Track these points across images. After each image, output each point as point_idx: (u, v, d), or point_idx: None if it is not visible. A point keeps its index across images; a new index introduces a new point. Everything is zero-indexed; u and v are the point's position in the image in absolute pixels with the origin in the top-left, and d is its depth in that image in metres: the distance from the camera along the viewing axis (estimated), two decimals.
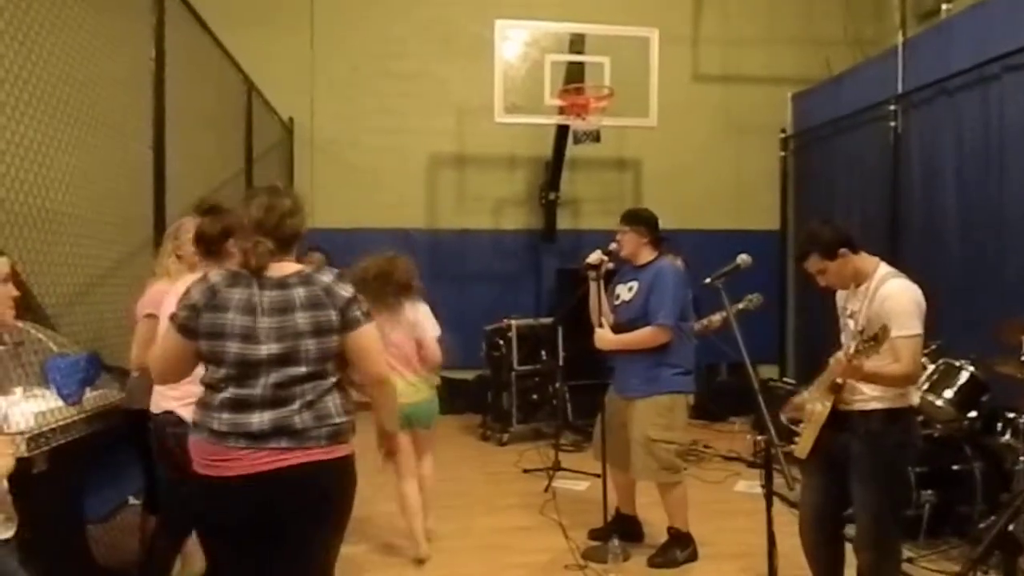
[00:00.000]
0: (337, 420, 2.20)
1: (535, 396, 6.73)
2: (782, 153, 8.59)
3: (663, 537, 4.05)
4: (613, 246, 4.06)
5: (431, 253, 8.23)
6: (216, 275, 2.21)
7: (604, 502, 4.03)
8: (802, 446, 2.98)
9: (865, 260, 2.97)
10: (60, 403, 2.93)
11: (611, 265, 4.13)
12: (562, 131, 7.30)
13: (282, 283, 2.17)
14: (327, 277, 2.22)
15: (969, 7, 6.24)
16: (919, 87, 6.37)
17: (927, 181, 6.35)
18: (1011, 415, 4.08)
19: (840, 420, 2.91)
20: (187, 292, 2.22)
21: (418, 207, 8.26)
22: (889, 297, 2.80)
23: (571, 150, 7.56)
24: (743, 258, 2.92)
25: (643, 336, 3.85)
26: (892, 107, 6.65)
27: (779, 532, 2.67)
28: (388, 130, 8.05)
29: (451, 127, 8.19)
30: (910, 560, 3.85)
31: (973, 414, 4.26)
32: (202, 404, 2.20)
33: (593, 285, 4.08)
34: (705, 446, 6.31)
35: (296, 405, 2.14)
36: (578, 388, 6.68)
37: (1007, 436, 4.08)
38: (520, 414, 6.68)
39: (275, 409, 2.12)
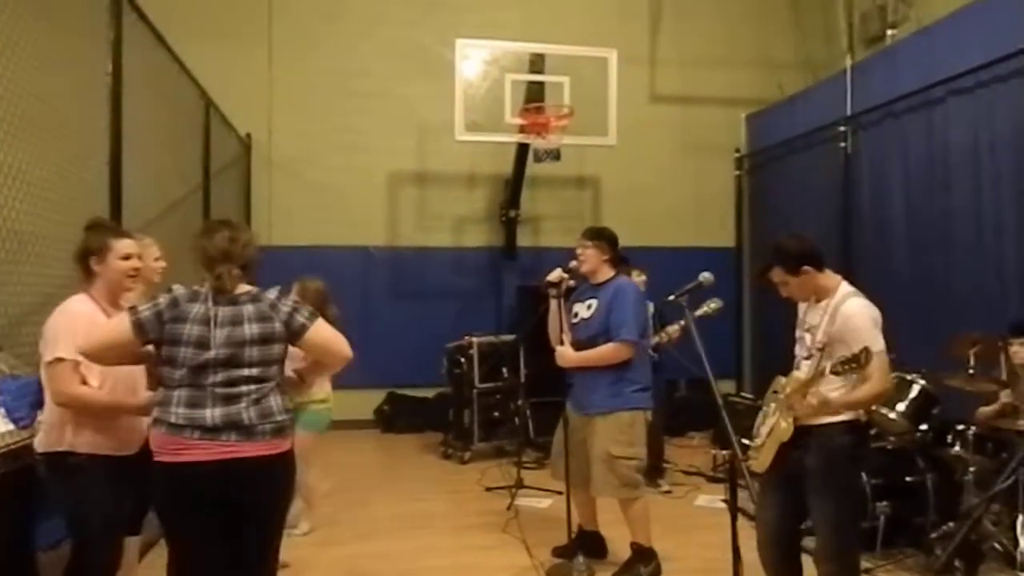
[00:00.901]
0: (279, 418, 2.52)
1: (497, 413, 6.72)
2: (737, 172, 8.78)
3: (626, 553, 4.06)
4: (573, 264, 4.09)
5: (391, 271, 8.23)
6: (180, 290, 2.52)
7: (568, 519, 4.03)
8: (762, 460, 3.02)
9: (829, 278, 3.01)
10: (11, 426, 2.84)
11: (571, 283, 4.16)
12: (522, 149, 7.36)
13: (234, 300, 2.52)
14: (271, 294, 2.58)
15: (913, 33, 6.50)
16: (868, 109, 6.58)
17: (876, 200, 6.55)
18: (960, 427, 4.20)
19: (794, 436, 2.95)
20: (155, 298, 2.52)
21: (378, 225, 8.23)
22: (851, 316, 2.85)
23: (531, 168, 7.62)
24: (705, 276, 2.97)
25: (605, 352, 3.88)
26: (842, 128, 6.86)
27: (742, 546, 2.70)
28: (348, 148, 8.03)
29: (412, 145, 8.19)
30: (867, 571, 3.92)
31: (924, 427, 4.38)
32: (160, 403, 2.46)
33: (553, 303, 4.10)
34: (665, 461, 6.35)
35: (243, 403, 2.45)
36: (540, 405, 6.67)
37: (957, 447, 4.20)
38: (482, 432, 6.66)
39: (225, 406, 2.43)
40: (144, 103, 4.39)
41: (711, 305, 5.25)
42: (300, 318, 2.55)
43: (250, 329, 2.47)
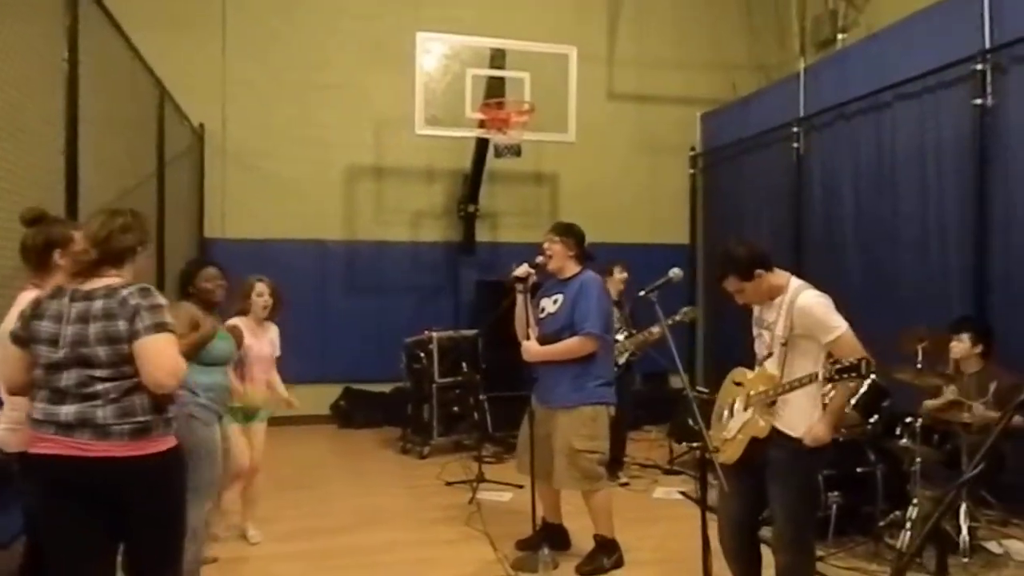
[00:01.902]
0: (142, 418, 2.37)
1: (456, 408, 6.72)
2: (691, 171, 8.93)
3: (589, 545, 4.12)
4: (540, 259, 4.12)
5: (348, 265, 8.15)
6: (46, 290, 2.48)
7: (533, 512, 4.07)
8: (730, 453, 3.09)
9: (779, 276, 3.11)
10: None
11: (535, 278, 4.19)
12: (482, 144, 7.36)
13: (88, 295, 2.41)
14: (129, 289, 2.41)
15: (863, 39, 6.70)
16: (819, 111, 6.77)
17: (827, 199, 6.74)
18: (908, 419, 4.36)
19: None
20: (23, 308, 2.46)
21: (335, 218, 8.14)
22: (809, 307, 2.94)
23: (490, 163, 7.63)
24: (675, 272, 3.03)
25: (570, 346, 3.93)
26: (795, 129, 7.05)
27: (698, 537, 2.76)
28: (304, 140, 7.93)
29: (369, 138, 8.12)
30: (820, 559, 4.04)
31: (875, 419, 4.53)
32: (31, 399, 2.44)
33: (520, 297, 4.12)
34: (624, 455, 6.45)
35: (99, 401, 2.34)
36: (499, 400, 6.71)
37: (905, 439, 4.36)
38: (441, 426, 6.66)
39: (80, 403, 2.34)
40: (98, 91, 4.27)
41: (686, 313, 5.35)
42: (140, 323, 2.36)
43: (94, 327, 2.35)
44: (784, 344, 2.95)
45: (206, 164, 7.76)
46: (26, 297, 2.65)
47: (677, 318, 5.21)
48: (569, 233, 4.13)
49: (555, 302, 4.08)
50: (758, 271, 3.03)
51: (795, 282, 3.08)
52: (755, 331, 3.22)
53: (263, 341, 4.42)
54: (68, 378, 2.35)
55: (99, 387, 2.35)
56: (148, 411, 2.39)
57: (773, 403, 3.00)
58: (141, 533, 2.43)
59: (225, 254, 7.44)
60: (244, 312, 4.36)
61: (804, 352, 2.96)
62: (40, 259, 2.79)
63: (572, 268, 4.11)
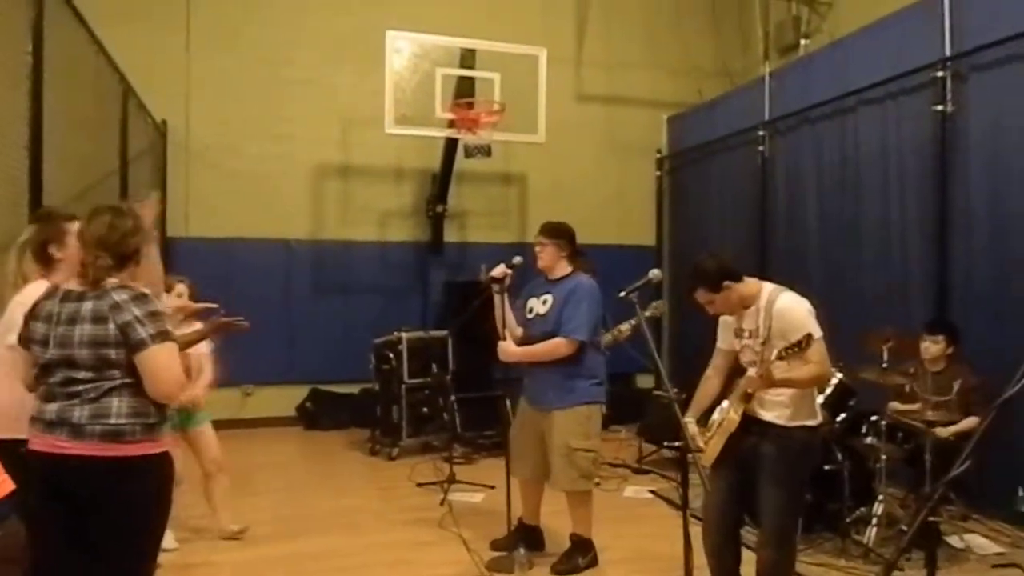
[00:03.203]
0: (114, 421, 2.33)
1: (425, 409, 6.69)
2: (658, 173, 9.02)
3: (563, 545, 4.14)
4: (517, 259, 4.12)
5: (315, 265, 8.07)
6: (44, 290, 2.49)
7: (508, 512, 4.07)
8: (709, 453, 3.14)
9: (748, 285, 3.17)
10: None
11: (510, 279, 4.17)
12: (451, 144, 7.34)
13: (80, 296, 2.39)
14: (123, 295, 2.37)
15: (827, 45, 6.83)
16: (784, 115, 6.89)
17: (791, 203, 6.87)
18: (874, 418, 4.47)
19: (751, 425, 3.10)
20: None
21: (301, 217, 8.04)
22: (787, 309, 3.01)
23: (458, 163, 7.61)
24: (655, 273, 3.06)
25: (549, 348, 3.93)
26: (760, 133, 7.16)
27: (670, 535, 2.78)
28: (270, 137, 7.81)
29: (337, 136, 8.04)
30: None
31: (842, 417, 4.63)
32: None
33: (497, 298, 4.11)
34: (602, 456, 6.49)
35: (77, 401, 2.34)
36: (468, 400, 6.70)
37: (870, 437, 4.46)
38: (410, 428, 6.62)
39: (62, 402, 2.36)
40: (62, 86, 4.17)
41: (656, 307, 5.39)
42: (143, 332, 2.33)
43: (81, 330, 2.34)
44: (764, 343, 3.02)
45: (169, 161, 7.60)
46: (32, 289, 2.66)
47: (647, 313, 5.25)
48: (559, 234, 4.12)
49: (544, 302, 4.07)
50: (726, 283, 3.11)
51: (769, 286, 3.16)
52: (738, 344, 3.25)
53: None
54: (57, 377, 2.37)
55: (79, 387, 2.35)
56: (124, 415, 2.36)
57: (749, 396, 3.06)
58: (108, 539, 2.36)
59: (189, 253, 7.34)
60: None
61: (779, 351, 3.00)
62: (41, 256, 2.82)
63: (563, 268, 4.11)
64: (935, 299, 5.27)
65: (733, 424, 3.06)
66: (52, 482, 2.34)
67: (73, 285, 2.44)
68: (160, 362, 2.36)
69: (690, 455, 2.74)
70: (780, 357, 2.91)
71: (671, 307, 8.70)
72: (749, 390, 3.04)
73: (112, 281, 2.41)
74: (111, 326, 2.33)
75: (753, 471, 3.08)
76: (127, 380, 2.37)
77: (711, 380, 3.38)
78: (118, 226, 2.44)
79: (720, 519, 3.22)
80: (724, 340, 3.36)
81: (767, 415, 3.07)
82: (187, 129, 7.67)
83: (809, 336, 2.84)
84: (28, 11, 3.59)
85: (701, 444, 3.07)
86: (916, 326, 4.86)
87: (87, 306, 2.36)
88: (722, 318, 3.35)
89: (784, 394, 3.05)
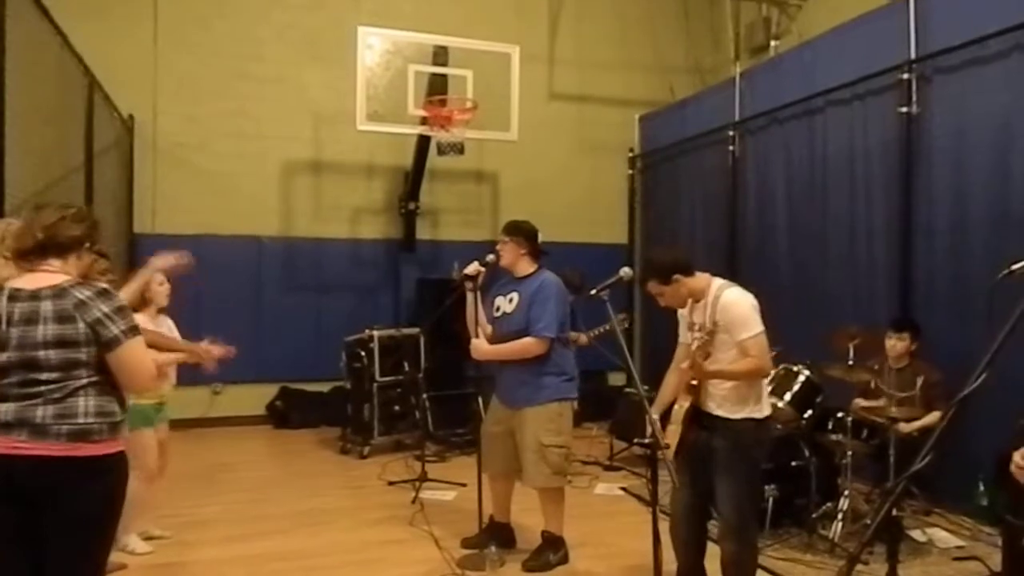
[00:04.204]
0: (82, 420, 2.29)
1: (397, 407, 6.66)
2: (630, 171, 9.07)
3: (534, 542, 4.15)
4: (490, 257, 4.13)
5: (285, 262, 8.00)
6: None
7: (480, 510, 4.08)
8: (672, 448, 3.19)
9: (698, 280, 3.28)
10: None
11: (483, 277, 4.18)
12: (423, 141, 7.31)
13: (34, 295, 2.30)
14: (85, 292, 2.31)
15: (796, 46, 6.92)
16: (754, 115, 6.97)
17: (761, 201, 6.95)
18: (840, 415, 4.54)
19: (704, 420, 3.19)
20: None
21: (271, 215, 7.96)
22: (731, 304, 3.14)
23: (430, 161, 7.57)
24: (626, 271, 3.07)
25: (520, 347, 3.94)
26: (730, 132, 7.23)
27: (641, 531, 2.80)
28: (240, 134, 7.74)
29: (307, 133, 7.98)
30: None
31: (809, 414, 4.70)
32: None
33: (470, 296, 4.12)
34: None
35: (39, 401, 2.26)
36: (440, 398, 6.69)
37: (837, 434, 4.54)
38: (381, 426, 6.59)
39: (18, 402, 2.26)
40: (24, 78, 4.09)
41: (622, 320, 5.39)
42: (114, 329, 2.30)
43: (44, 330, 2.26)
44: (709, 336, 3.11)
45: (136, 157, 7.49)
46: None
47: (606, 328, 5.26)
48: (518, 232, 4.14)
49: (510, 301, 4.08)
50: (676, 276, 3.22)
51: (717, 281, 3.27)
52: (689, 336, 3.36)
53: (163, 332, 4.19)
54: (10, 379, 2.27)
55: (41, 388, 2.27)
56: (91, 414, 2.31)
57: (692, 387, 3.17)
58: (64, 535, 2.29)
59: (156, 250, 7.18)
60: (145, 305, 4.02)
61: (725, 346, 3.13)
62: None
63: (526, 266, 4.12)
64: (899, 297, 5.37)
65: (681, 413, 3.17)
66: (4, 483, 2.25)
67: (19, 283, 2.33)
68: (135, 357, 2.36)
69: (659, 452, 2.76)
70: (699, 346, 3.07)
71: (643, 305, 8.77)
72: (688, 381, 3.17)
73: (63, 277, 2.34)
74: (80, 325, 2.27)
75: (709, 465, 3.17)
76: (93, 379, 2.32)
77: (673, 375, 3.46)
78: (51, 215, 2.38)
79: (686, 513, 3.31)
80: (683, 333, 3.47)
81: (715, 408, 3.18)
82: (154, 124, 7.57)
83: (715, 323, 3.04)
84: None
85: (662, 441, 3.11)
86: (880, 323, 4.95)
87: (46, 305, 2.28)
88: (680, 313, 3.45)
89: (727, 387, 3.15)
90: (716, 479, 3.16)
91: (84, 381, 2.31)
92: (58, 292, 2.30)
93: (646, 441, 2.79)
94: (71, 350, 2.28)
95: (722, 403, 3.16)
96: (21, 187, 3.90)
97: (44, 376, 2.27)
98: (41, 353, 2.26)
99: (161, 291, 4.13)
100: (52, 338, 2.26)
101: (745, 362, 3.08)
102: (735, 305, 3.13)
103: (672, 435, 3.23)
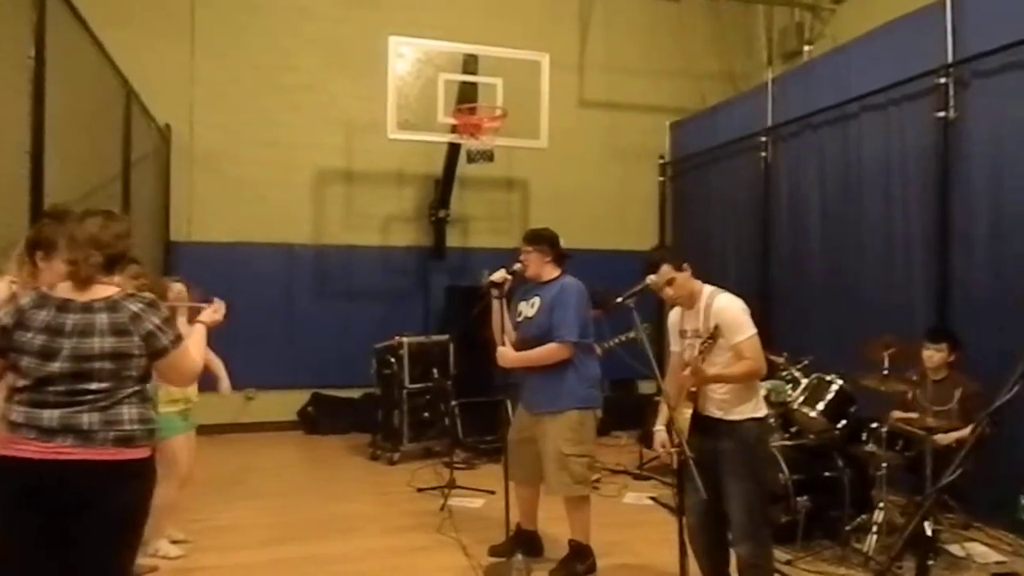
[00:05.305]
0: (128, 427, 2.36)
1: (426, 414, 6.67)
2: (660, 178, 9.01)
3: (561, 551, 4.13)
4: (517, 266, 4.13)
5: (317, 269, 8.08)
6: (25, 298, 2.41)
7: (507, 518, 4.06)
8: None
9: (696, 282, 3.38)
10: None
11: (510, 284, 4.18)
12: (453, 149, 7.35)
13: (87, 307, 2.36)
14: (136, 305, 2.40)
15: (829, 51, 6.83)
16: (787, 121, 6.88)
17: (794, 208, 6.85)
18: (874, 425, 4.45)
19: (707, 424, 3.23)
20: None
21: (304, 222, 8.06)
22: (724, 309, 3.22)
23: (460, 169, 7.61)
24: (652, 278, 3.07)
25: (545, 353, 3.94)
26: (763, 139, 7.15)
27: (670, 541, 2.78)
28: (273, 143, 7.84)
29: (339, 142, 8.06)
30: (788, 563, 4.12)
31: (842, 424, 4.61)
32: (7, 401, 2.39)
33: (496, 303, 4.12)
34: (596, 460, 6.48)
35: (85, 408, 2.32)
36: (469, 406, 6.70)
37: (871, 444, 4.45)
38: (411, 432, 6.61)
39: (65, 409, 2.30)
40: (64, 90, 4.19)
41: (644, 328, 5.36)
42: (164, 340, 2.42)
43: (101, 343, 2.32)
44: (712, 340, 3.14)
45: (172, 166, 7.64)
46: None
47: (631, 335, 5.20)
48: (540, 240, 4.14)
49: (532, 305, 4.08)
50: (686, 265, 3.34)
51: (709, 288, 3.37)
52: (679, 345, 3.44)
53: None
54: (57, 387, 2.32)
55: (89, 396, 2.33)
56: (135, 421, 2.39)
57: (692, 394, 3.21)
58: (100, 537, 2.35)
59: (191, 258, 7.37)
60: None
61: (719, 350, 3.18)
62: (27, 256, 2.75)
63: (550, 272, 4.13)
64: (936, 306, 5.25)
65: (685, 423, 3.16)
66: (35, 487, 2.30)
67: (64, 292, 2.38)
68: (182, 361, 2.50)
69: (683, 459, 2.74)
70: (701, 351, 3.11)
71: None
72: (689, 388, 3.19)
73: (114, 289, 2.41)
74: (135, 338, 2.36)
75: (717, 469, 3.18)
76: (137, 388, 2.42)
77: (671, 385, 3.43)
78: (110, 226, 2.43)
79: (704, 522, 3.30)
80: (674, 342, 3.50)
81: (717, 412, 3.23)
82: (191, 134, 7.70)
83: (717, 327, 3.08)
84: (30, 15, 3.61)
85: (661, 452, 3.25)
86: (917, 333, 4.83)
87: (102, 318, 2.34)
88: (670, 321, 3.51)
89: (727, 390, 3.21)
90: (726, 483, 3.19)
91: (130, 391, 2.39)
92: (111, 305, 2.37)
93: (673, 450, 2.76)
94: (124, 361, 2.36)
95: (722, 406, 3.23)
96: (60, 195, 3.98)
97: (94, 386, 2.33)
98: (96, 364, 2.32)
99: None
100: (109, 350, 2.33)
101: (742, 364, 3.16)
102: (727, 310, 3.22)
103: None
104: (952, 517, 4.54)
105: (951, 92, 5.19)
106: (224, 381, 4.57)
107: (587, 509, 4.05)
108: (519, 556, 4.00)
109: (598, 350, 5.55)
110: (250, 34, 7.84)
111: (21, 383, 2.35)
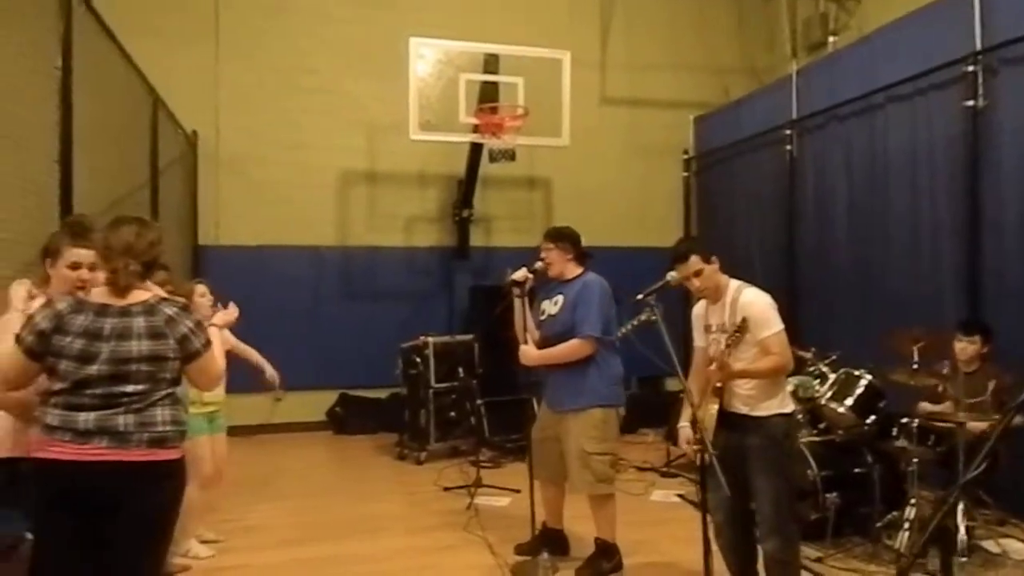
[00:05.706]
0: (161, 428, 2.42)
1: (453, 413, 6.70)
2: (685, 174, 8.95)
3: (588, 549, 4.12)
4: (539, 264, 4.12)
5: (342, 270, 8.15)
6: (62, 303, 2.44)
7: (532, 517, 4.06)
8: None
9: (723, 276, 3.35)
10: None
11: (532, 283, 4.18)
12: (475, 149, 7.36)
13: (124, 311, 2.42)
14: (172, 308, 2.48)
15: (854, 42, 6.73)
16: (812, 114, 6.80)
17: (820, 201, 6.76)
18: (904, 420, 4.37)
19: (733, 421, 3.20)
20: (32, 318, 2.43)
21: (328, 224, 8.13)
22: (751, 304, 3.19)
23: (483, 168, 7.61)
24: (672, 275, 3.06)
25: (567, 350, 3.93)
26: (787, 132, 7.06)
27: (697, 539, 2.77)
28: (297, 146, 7.92)
29: (362, 144, 8.12)
30: (819, 560, 4.07)
31: (871, 419, 4.55)
32: (43, 404, 2.42)
33: (517, 302, 4.12)
34: (620, 458, 6.45)
35: (120, 410, 2.37)
36: (494, 404, 6.71)
37: (901, 440, 4.37)
38: (438, 432, 6.64)
39: (100, 411, 2.36)
40: (91, 99, 4.26)
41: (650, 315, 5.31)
42: (196, 343, 2.50)
43: (139, 346, 2.39)
44: (739, 333, 3.12)
45: (199, 171, 7.74)
46: (16, 291, 2.68)
47: (642, 319, 5.12)
48: (562, 237, 4.14)
49: (555, 303, 4.08)
50: (714, 257, 3.30)
51: (735, 282, 3.34)
52: (704, 340, 3.41)
53: None
54: (93, 390, 2.36)
55: (124, 399, 2.38)
56: (168, 423, 2.45)
57: (718, 390, 3.18)
58: (134, 536, 2.40)
59: (219, 261, 7.46)
60: None
61: (745, 345, 3.16)
62: (41, 264, 2.84)
63: (573, 270, 4.12)
64: (966, 298, 5.15)
65: (712, 420, 3.14)
66: (69, 489, 2.34)
67: (100, 297, 2.44)
68: (211, 365, 2.59)
69: (707, 455, 2.72)
70: (727, 345, 3.08)
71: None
72: (715, 383, 3.17)
73: (149, 294, 2.47)
74: (171, 341, 2.43)
75: (745, 466, 3.16)
76: (170, 391, 2.48)
77: (694, 381, 3.42)
78: (144, 234, 2.49)
79: (731, 518, 3.29)
80: (698, 337, 3.47)
81: (743, 408, 3.20)
82: (217, 139, 7.80)
83: (744, 321, 3.05)
84: (57, 25, 3.68)
85: (686, 448, 3.23)
86: (947, 326, 4.74)
87: (139, 322, 2.40)
88: (694, 315, 3.49)
89: (753, 386, 3.18)
90: (753, 479, 3.18)
91: (164, 393, 2.45)
92: (148, 309, 2.44)
93: (697, 447, 2.74)
94: (160, 364, 2.43)
95: (749, 402, 3.20)
96: (89, 204, 4.06)
97: (130, 388, 2.38)
98: (133, 367, 2.38)
99: (203, 302, 4.24)
100: (146, 353, 2.40)
101: (768, 359, 3.13)
102: (755, 304, 3.19)
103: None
104: (987, 513, 4.45)
105: (980, 80, 5.08)
106: (268, 369, 4.73)
107: (612, 507, 4.03)
108: (545, 555, 4.00)
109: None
110: (271, 37, 7.92)
111: (57, 386, 2.38)
